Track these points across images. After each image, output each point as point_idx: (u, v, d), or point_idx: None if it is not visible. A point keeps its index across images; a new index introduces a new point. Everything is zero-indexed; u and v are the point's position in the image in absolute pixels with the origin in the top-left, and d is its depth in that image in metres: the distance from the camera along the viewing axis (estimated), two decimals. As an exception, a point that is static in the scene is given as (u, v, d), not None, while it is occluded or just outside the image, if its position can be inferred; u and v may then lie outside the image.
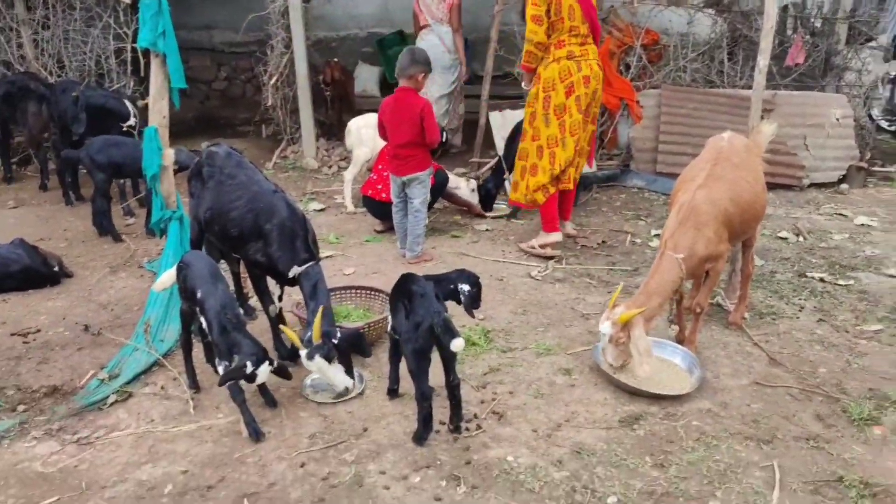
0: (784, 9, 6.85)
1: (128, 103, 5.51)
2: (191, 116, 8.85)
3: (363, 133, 5.42)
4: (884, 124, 7.80)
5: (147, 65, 3.73)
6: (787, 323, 3.59)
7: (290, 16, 6.46)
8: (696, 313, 3.20)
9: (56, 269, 4.08)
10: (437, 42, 6.59)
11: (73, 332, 3.51)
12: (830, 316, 3.66)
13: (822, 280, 4.12)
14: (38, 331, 3.53)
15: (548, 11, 4.15)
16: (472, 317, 2.96)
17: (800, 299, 3.88)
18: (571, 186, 4.59)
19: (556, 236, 4.56)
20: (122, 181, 5.31)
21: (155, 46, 3.48)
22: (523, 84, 4.63)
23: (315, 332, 2.72)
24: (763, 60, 3.51)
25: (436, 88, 6.62)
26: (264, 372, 2.60)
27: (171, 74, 3.55)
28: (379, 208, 4.93)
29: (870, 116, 7.31)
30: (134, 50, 6.15)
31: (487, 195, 5.48)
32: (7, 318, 3.69)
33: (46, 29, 6.54)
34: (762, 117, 5.59)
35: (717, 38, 6.62)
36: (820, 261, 4.46)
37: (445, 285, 2.83)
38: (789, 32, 6.98)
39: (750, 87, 4.04)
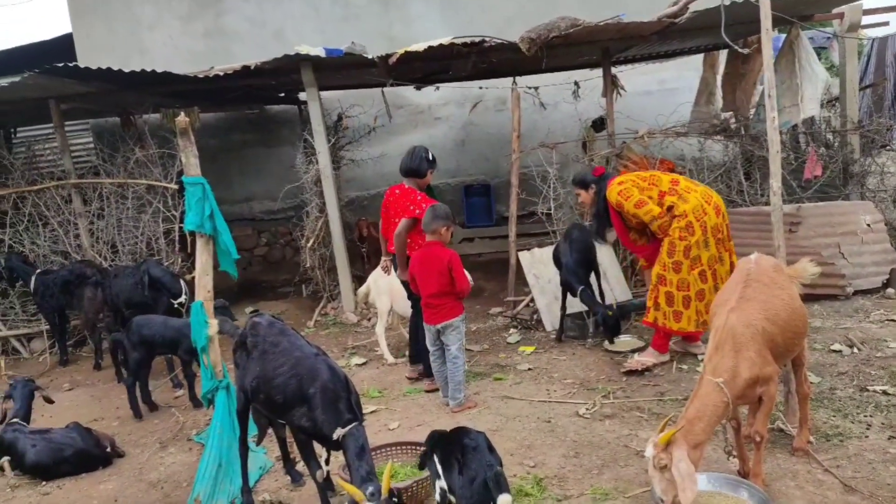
0: (794, 127, 7.08)
1: (181, 282, 5.79)
2: (234, 283, 9.23)
3: (380, 284, 5.64)
4: (919, 223, 7.72)
5: (193, 243, 3.99)
6: (855, 443, 3.40)
7: (323, 183, 6.91)
8: (756, 442, 3.06)
9: (108, 450, 4.14)
10: None
11: (124, 515, 3.49)
12: (901, 432, 3.46)
13: (885, 393, 3.93)
14: (90, 517, 3.53)
15: (640, 188, 4.70)
16: None
17: (865, 416, 3.69)
18: None
19: (666, 356, 4.89)
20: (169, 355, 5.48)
21: (201, 228, 3.74)
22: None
23: (384, 486, 2.67)
24: (776, 183, 3.60)
25: None
26: None
27: (228, 249, 3.79)
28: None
29: (902, 217, 7.27)
30: (181, 229, 6.60)
31: (616, 322, 5.23)
32: (60, 505, 3.71)
33: (101, 219, 7.08)
34: (790, 230, 5.67)
35: (730, 160, 6.83)
36: (880, 372, 4.27)
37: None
38: (803, 147, 7.17)
39: (771, 204, 4.10)
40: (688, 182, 4.81)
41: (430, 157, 4.90)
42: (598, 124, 8.63)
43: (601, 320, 5.20)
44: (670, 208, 4.62)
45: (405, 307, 5.33)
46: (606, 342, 5.42)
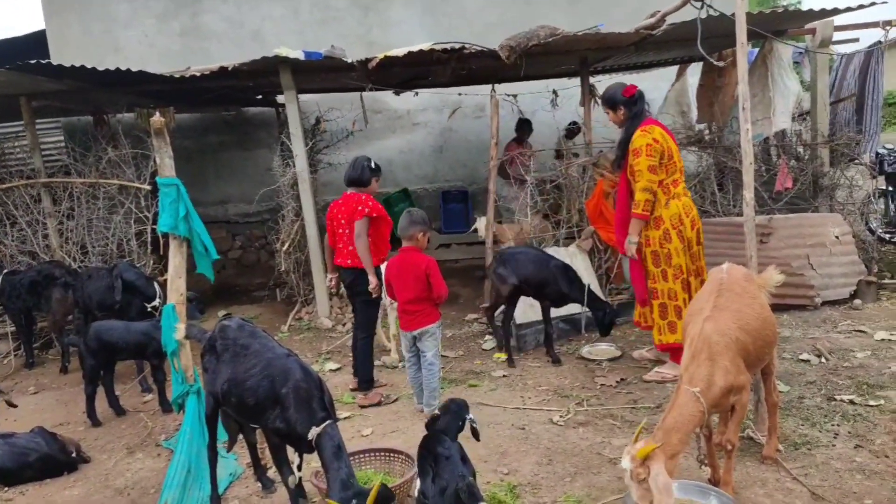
0: (766, 139, 7.21)
1: (155, 285, 5.69)
2: (208, 286, 9.09)
3: None
4: (885, 236, 7.91)
5: (166, 245, 3.93)
6: (823, 452, 3.46)
7: (300, 186, 6.87)
8: (727, 451, 3.09)
9: (74, 455, 4.04)
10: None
11: (89, 523, 3.41)
12: (867, 441, 3.53)
13: (851, 402, 4.01)
14: (53, 524, 3.44)
15: (661, 159, 4.48)
16: (478, 440, 3.15)
17: (833, 425, 3.75)
18: None
19: None
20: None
21: (175, 230, 3.68)
22: (633, 240, 4.59)
23: (371, 499, 2.61)
24: (748, 194, 3.66)
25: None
26: None
27: (208, 249, 3.74)
28: (345, 273, 4.89)
29: (870, 230, 7.44)
30: (154, 231, 6.50)
31: (612, 321, 5.33)
32: (22, 512, 3.62)
33: (71, 219, 6.94)
34: (761, 241, 5.77)
35: (704, 171, 6.93)
36: (846, 381, 4.35)
37: (455, 423, 2.92)
38: (774, 160, 7.31)
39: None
40: (683, 188, 4.65)
41: (373, 166, 4.88)
42: (571, 132, 8.73)
43: (607, 315, 5.25)
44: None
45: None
46: (584, 349, 5.45)
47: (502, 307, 5.55)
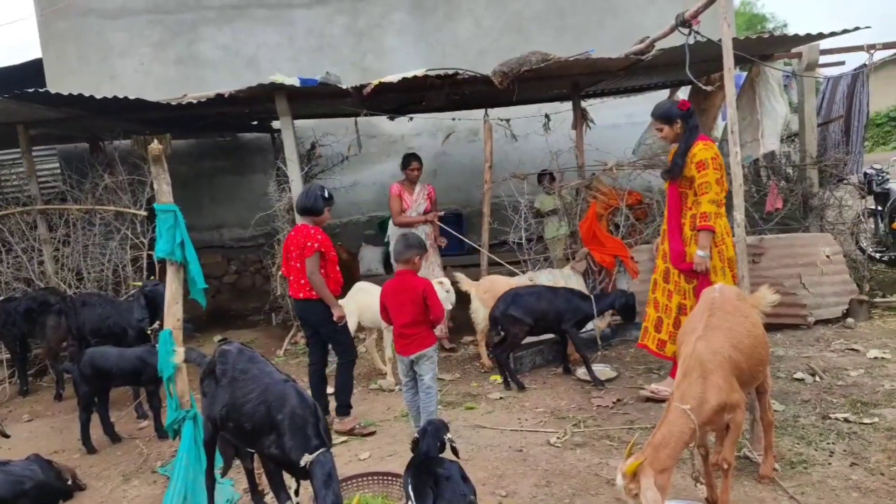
0: (756, 161, 7.31)
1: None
2: (203, 311, 9.08)
3: (347, 302, 5.58)
4: (876, 255, 8.00)
5: (162, 270, 3.95)
6: (819, 471, 3.47)
7: (295, 212, 6.89)
8: (724, 470, 3.11)
9: (69, 482, 4.01)
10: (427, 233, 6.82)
11: (84, 551, 3.38)
12: (862, 458, 3.55)
13: (846, 420, 4.03)
14: (48, 553, 3.41)
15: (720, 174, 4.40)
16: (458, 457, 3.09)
17: (828, 443, 3.77)
18: None
19: None
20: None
21: (172, 256, 3.70)
22: (703, 253, 4.39)
23: None
24: (739, 215, 3.72)
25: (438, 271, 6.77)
26: None
27: (195, 278, 3.76)
28: (297, 305, 4.88)
29: (861, 249, 7.51)
30: (150, 256, 6.52)
31: (629, 302, 5.56)
32: (17, 541, 3.58)
33: (67, 245, 6.95)
34: (753, 261, 5.83)
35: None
36: (841, 400, 4.38)
37: (434, 444, 2.96)
38: (765, 181, 7.41)
39: (736, 236, 4.19)
40: (723, 208, 4.52)
41: (326, 195, 4.79)
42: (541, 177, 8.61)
43: (617, 300, 5.52)
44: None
45: (374, 318, 5.33)
46: (579, 371, 5.46)
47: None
